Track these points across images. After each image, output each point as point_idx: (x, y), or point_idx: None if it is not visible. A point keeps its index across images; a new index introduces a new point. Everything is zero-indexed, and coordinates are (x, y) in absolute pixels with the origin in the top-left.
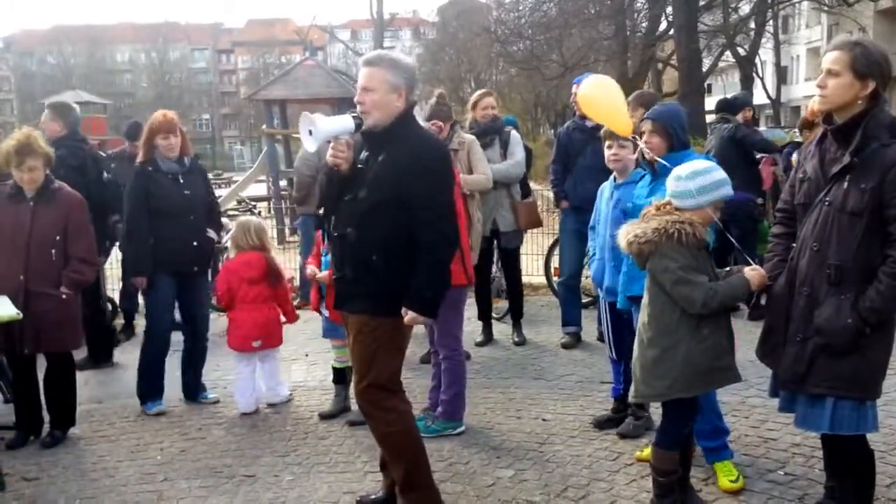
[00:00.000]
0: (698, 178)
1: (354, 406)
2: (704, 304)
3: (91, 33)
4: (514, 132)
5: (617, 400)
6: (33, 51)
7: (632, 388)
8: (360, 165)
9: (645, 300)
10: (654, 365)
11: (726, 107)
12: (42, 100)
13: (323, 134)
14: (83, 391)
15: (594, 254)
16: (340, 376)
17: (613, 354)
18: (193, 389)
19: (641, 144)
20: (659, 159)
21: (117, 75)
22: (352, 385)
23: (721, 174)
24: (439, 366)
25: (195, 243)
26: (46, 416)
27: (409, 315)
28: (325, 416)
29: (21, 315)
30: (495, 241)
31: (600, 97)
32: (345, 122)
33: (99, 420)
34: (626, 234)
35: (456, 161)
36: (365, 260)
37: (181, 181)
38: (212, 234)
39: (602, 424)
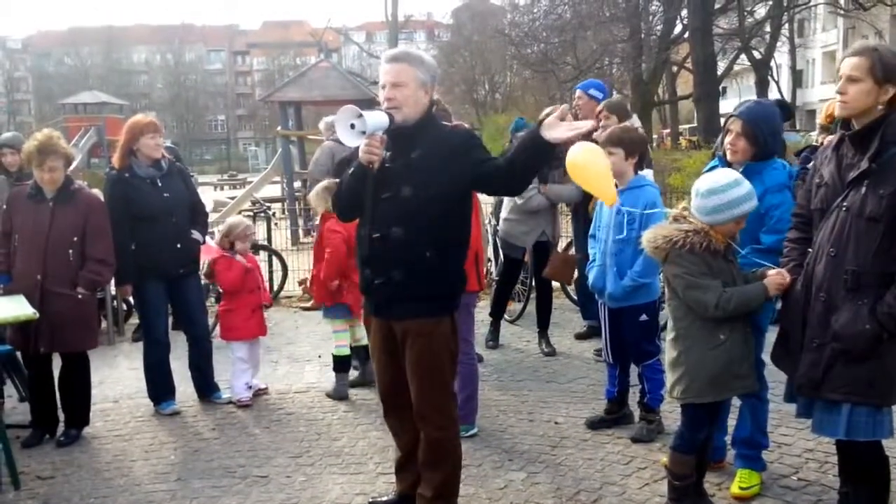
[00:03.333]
0: (713, 198)
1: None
2: (718, 306)
3: (108, 34)
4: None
5: (610, 401)
6: (51, 52)
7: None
8: (388, 164)
9: (668, 302)
10: (673, 368)
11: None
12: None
13: (371, 127)
14: (99, 390)
15: (593, 260)
16: (341, 365)
17: (609, 358)
18: (205, 389)
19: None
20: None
21: (134, 76)
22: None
23: (742, 191)
24: None
25: (178, 245)
26: (61, 415)
27: None
28: (330, 396)
29: (37, 315)
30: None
31: (587, 165)
32: (384, 117)
33: (114, 419)
34: (647, 237)
35: None
36: (418, 258)
37: (159, 184)
38: (196, 235)
39: (595, 425)
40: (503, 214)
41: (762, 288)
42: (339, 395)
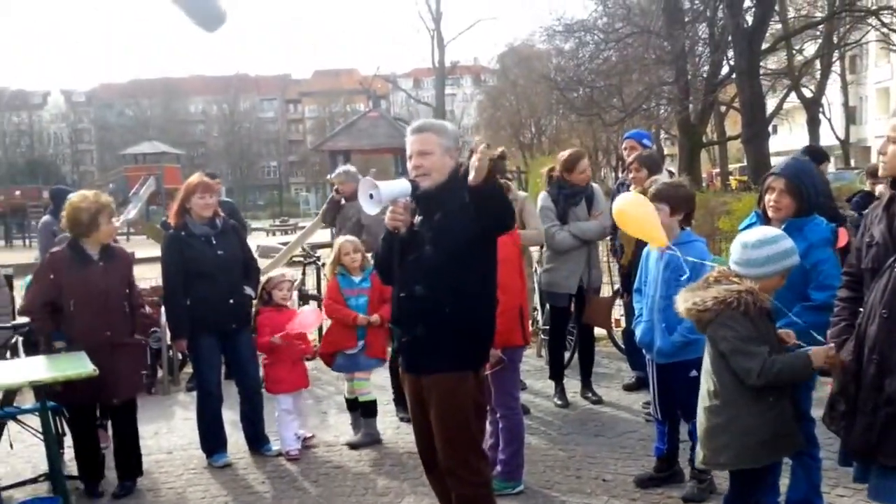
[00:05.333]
0: (765, 248)
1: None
2: (760, 374)
3: (166, 86)
4: (596, 187)
5: (659, 459)
6: (113, 103)
7: (698, 454)
8: (415, 228)
9: (707, 366)
10: (719, 434)
11: (812, 154)
12: (120, 151)
13: (386, 197)
14: (154, 440)
15: (640, 315)
16: (353, 404)
17: (658, 414)
18: (256, 441)
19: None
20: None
21: (190, 126)
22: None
23: (788, 243)
24: (497, 423)
25: (231, 301)
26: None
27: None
28: (353, 446)
29: (97, 372)
30: (573, 300)
31: (631, 212)
32: (403, 185)
33: (168, 471)
34: (685, 300)
35: None
36: (439, 313)
37: (213, 242)
38: (248, 291)
39: (644, 483)
40: (543, 266)
41: (807, 360)
42: (365, 440)
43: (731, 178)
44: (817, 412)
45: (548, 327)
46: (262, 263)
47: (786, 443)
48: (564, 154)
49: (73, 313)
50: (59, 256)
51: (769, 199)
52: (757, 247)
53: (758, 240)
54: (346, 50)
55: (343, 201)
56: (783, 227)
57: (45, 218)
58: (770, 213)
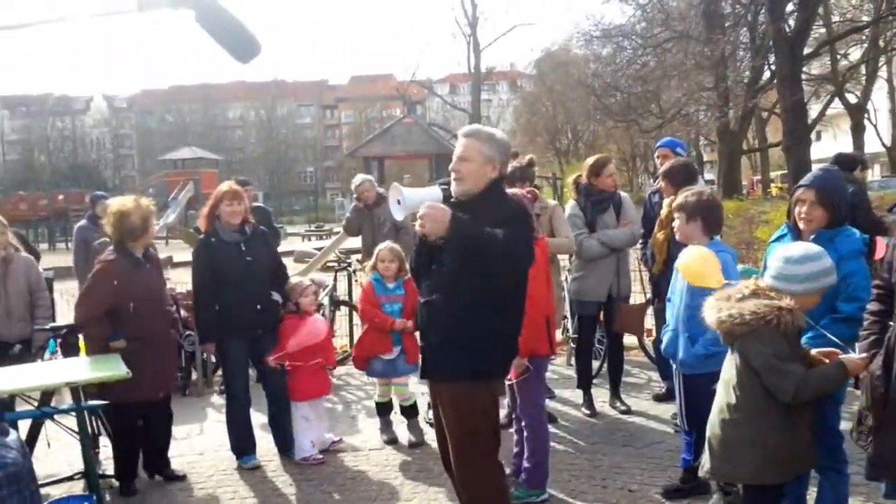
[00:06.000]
0: (809, 264)
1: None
2: (795, 395)
3: (205, 92)
4: (624, 195)
5: (686, 470)
6: (153, 110)
7: (706, 464)
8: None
9: (730, 378)
10: (740, 448)
11: (842, 162)
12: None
13: (411, 203)
14: (187, 442)
15: (668, 324)
16: (383, 408)
17: (685, 425)
18: (283, 445)
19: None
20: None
21: (229, 131)
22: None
23: (829, 262)
24: (522, 432)
25: (259, 307)
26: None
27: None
28: (388, 442)
29: (130, 374)
30: (602, 308)
31: (692, 263)
32: (432, 192)
33: (199, 472)
34: (717, 309)
35: (538, 225)
36: (452, 323)
37: (243, 249)
38: (276, 297)
39: (670, 494)
40: (572, 274)
41: (840, 374)
42: (420, 437)
43: (772, 185)
44: (846, 426)
45: (577, 336)
46: (297, 268)
47: (802, 461)
48: (591, 159)
49: (134, 315)
50: (115, 262)
51: (800, 211)
52: (800, 262)
53: (802, 255)
54: (382, 56)
55: (366, 208)
56: (812, 238)
57: (82, 223)
58: (801, 226)
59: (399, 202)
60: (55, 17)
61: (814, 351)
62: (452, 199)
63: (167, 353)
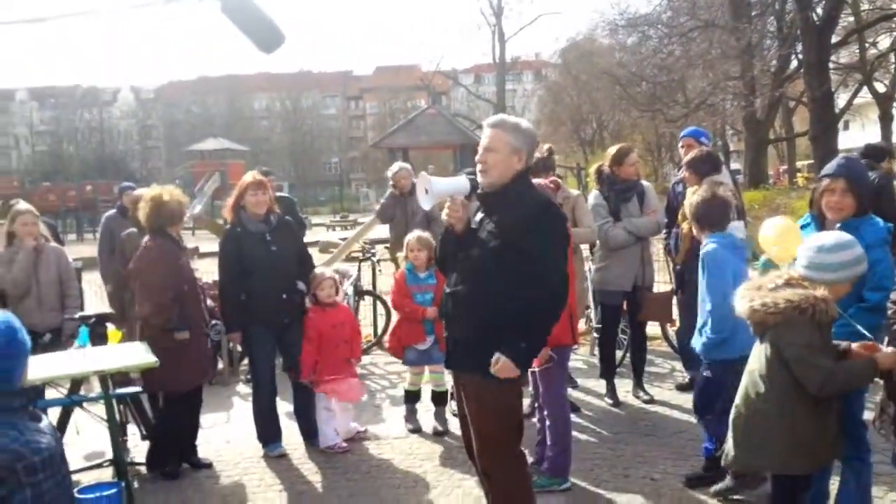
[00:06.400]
0: (842, 253)
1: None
2: (821, 388)
3: (231, 83)
4: (647, 184)
5: (708, 458)
6: (180, 101)
7: (730, 452)
8: (473, 226)
9: (759, 368)
10: (767, 438)
11: (872, 153)
12: (186, 147)
13: (438, 193)
14: (212, 431)
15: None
16: (411, 396)
17: (703, 415)
18: (309, 433)
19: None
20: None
21: (255, 122)
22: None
23: (860, 250)
24: (544, 421)
25: (284, 296)
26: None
27: (500, 363)
28: (413, 431)
29: (158, 363)
30: (626, 298)
31: (776, 235)
32: (460, 182)
33: (226, 459)
34: (749, 299)
35: None
36: (476, 314)
37: (268, 238)
38: (302, 286)
39: (693, 483)
40: (595, 264)
41: (871, 365)
42: (445, 425)
43: (798, 174)
44: (868, 416)
45: (600, 326)
46: (323, 258)
47: (830, 450)
48: (613, 148)
49: (185, 299)
50: (162, 246)
51: (830, 200)
52: (833, 251)
53: (834, 243)
54: (407, 46)
55: (402, 195)
56: (838, 227)
57: (111, 212)
58: (830, 215)
59: (427, 191)
60: (85, 9)
61: (855, 345)
62: (479, 192)
63: (205, 339)
